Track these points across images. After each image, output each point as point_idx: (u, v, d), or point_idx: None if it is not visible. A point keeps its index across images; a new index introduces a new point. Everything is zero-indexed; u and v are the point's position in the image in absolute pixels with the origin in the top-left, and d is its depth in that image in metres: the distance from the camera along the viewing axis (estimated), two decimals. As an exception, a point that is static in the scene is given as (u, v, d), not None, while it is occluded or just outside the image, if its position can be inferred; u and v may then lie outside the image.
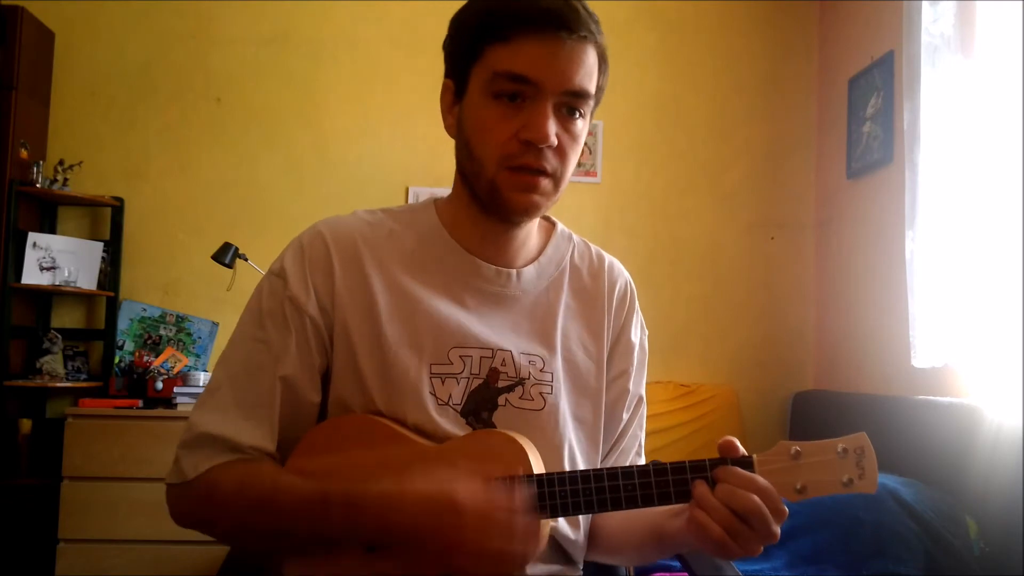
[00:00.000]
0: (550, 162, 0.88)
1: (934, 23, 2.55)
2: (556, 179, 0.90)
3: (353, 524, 0.81)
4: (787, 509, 0.78)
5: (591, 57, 0.87)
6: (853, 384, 3.16)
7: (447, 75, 0.94)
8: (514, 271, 0.98)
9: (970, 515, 2.21)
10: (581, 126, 0.90)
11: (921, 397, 2.56)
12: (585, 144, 3.86)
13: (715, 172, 3.59)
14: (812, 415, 3.23)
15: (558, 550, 0.97)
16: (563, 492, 0.82)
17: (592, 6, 0.90)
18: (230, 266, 3.02)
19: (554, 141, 0.86)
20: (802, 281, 3.58)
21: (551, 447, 0.94)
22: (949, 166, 2.49)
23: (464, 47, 0.90)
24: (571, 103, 0.87)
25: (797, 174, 3.61)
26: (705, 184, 3.58)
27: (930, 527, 2.15)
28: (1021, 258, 2.23)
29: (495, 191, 0.89)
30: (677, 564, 1.13)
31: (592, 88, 0.88)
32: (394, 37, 3.43)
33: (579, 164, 3.47)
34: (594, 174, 3.52)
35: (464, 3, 0.92)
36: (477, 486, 0.77)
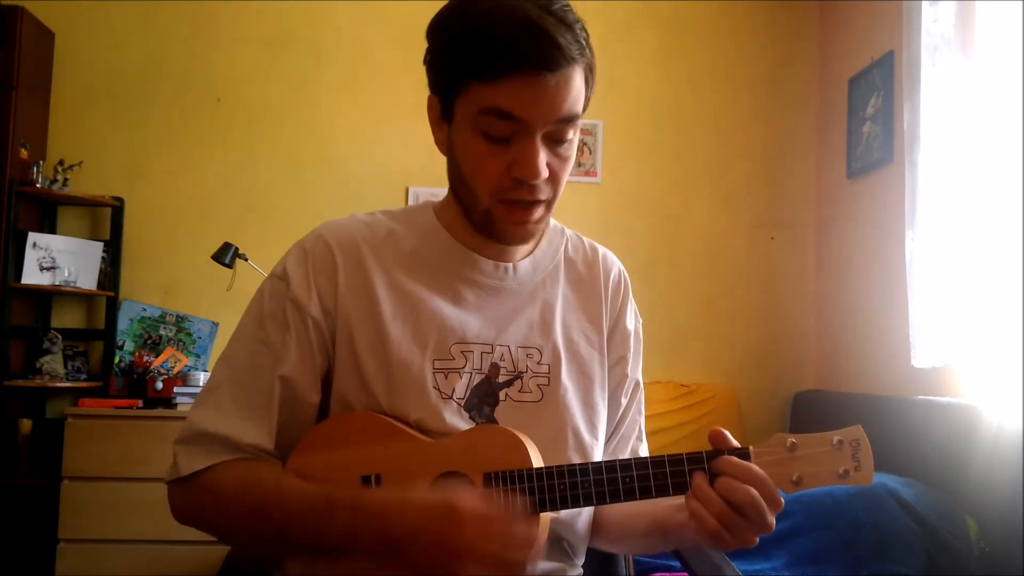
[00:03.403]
0: (544, 192, 0.89)
1: (934, 23, 2.55)
2: (549, 203, 0.92)
3: (355, 529, 0.81)
4: (783, 500, 0.79)
5: (577, 81, 0.86)
6: (853, 384, 3.16)
7: (432, 91, 0.93)
8: (510, 264, 1.00)
9: (970, 515, 2.21)
10: (570, 147, 0.90)
11: (921, 397, 2.57)
12: (585, 144, 3.87)
13: (715, 172, 3.59)
14: (812, 415, 3.24)
15: (558, 546, 0.98)
16: (562, 485, 0.83)
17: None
18: (230, 266, 3.02)
19: (545, 174, 0.87)
20: (802, 281, 3.58)
21: (553, 438, 0.95)
22: (949, 166, 2.49)
23: (447, 78, 0.88)
24: (560, 131, 0.87)
25: (797, 174, 3.61)
26: (705, 184, 3.58)
27: (930, 527, 2.15)
28: (1021, 258, 2.24)
29: (490, 221, 0.91)
30: (677, 564, 1.13)
31: (580, 109, 0.88)
32: (394, 37, 3.43)
33: (579, 164, 3.50)
34: (594, 174, 3.52)
35: (439, 18, 0.89)
36: (477, 496, 0.78)
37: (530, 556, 0.79)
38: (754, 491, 0.77)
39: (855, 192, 3.26)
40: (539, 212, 0.91)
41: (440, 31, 0.89)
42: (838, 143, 3.38)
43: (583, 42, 0.86)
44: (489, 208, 0.90)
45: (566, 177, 0.91)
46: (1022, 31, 2.28)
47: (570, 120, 0.87)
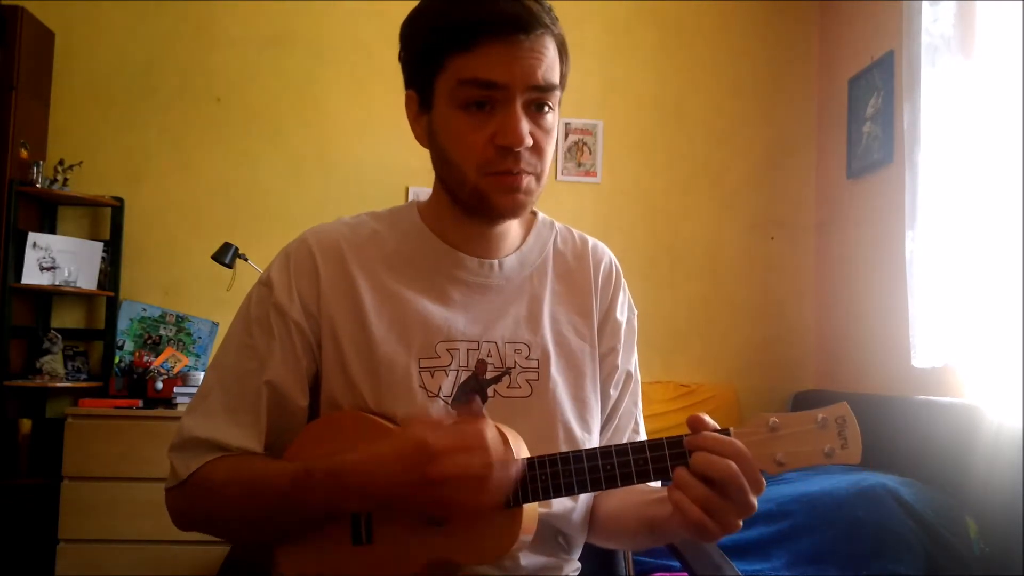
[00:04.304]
0: (528, 162, 0.89)
1: (934, 23, 2.55)
2: (537, 176, 0.92)
3: (337, 494, 0.84)
4: (764, 480, 0.77)
5: (551, 50, 0.89)
6: (853, 384, 3.16)
7: (408, 86, 0.96)
8: (496, 261, 0.99)
9: (970, 515, 2.21)
10: (551, 119, 0.91)
11: (921, 397, 2.57)
12: (585, 144, 3.86)
13: (715, 172, 3.59)
14: (812, 415, 3.23)
15: (553, 541, 0.97)
16: (543, 476, 0.83)
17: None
18: (230, 266, 3.02)
19: (529, 141, 0.88)
20: (802, 281, 3.58)
21: (543, 433, 0.95)
22: (949, 166, 2.49)
23: (424, 59, 0.91)
24: (539, 98, 0.89)
25: (797, 174, 3.61)
26: (705, 184, 3.58)
27: (930, 527, 2.15)
28: (1021, 258, 2.24)
29: (480, 197, 0.91)
30: (677, 564, 1.13)
31: (556, 79, 0.90)
32: (394, 37, 3.39)
33: (579, 164, 3.50)
34: (594, 174, 3.52)
35: (412, 13, 0.93)
36: (437, 423, 0.79)
37: (514, 473, 0.79)
38: (733, 464, 0.75)
39: (855, 192, 3.26)
40: (529, 182, 0.90)
41: (413, 20, 0.93)
42: (838, 143, 3.38)
43: (553, 16, 0.90)
44: (477, 183, 0.90)
45: (550, 151, 0.92)
46: (1022, 31, 2.28)
47: (548, 88, 0.88)
